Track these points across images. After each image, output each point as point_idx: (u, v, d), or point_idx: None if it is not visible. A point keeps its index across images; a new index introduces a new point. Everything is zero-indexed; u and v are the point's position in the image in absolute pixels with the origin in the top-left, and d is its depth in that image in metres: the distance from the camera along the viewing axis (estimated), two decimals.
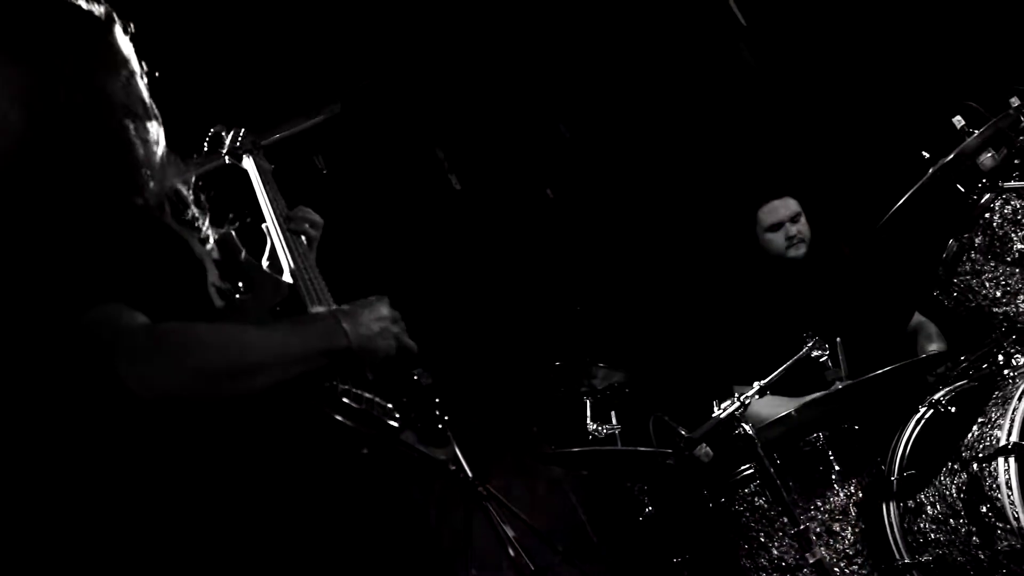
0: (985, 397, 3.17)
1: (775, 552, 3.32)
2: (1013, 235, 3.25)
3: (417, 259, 4.99)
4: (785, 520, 3.20)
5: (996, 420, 3.00)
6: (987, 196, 3.31)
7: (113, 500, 1.55)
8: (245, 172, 2.36)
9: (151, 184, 1.75)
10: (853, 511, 3.29)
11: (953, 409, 3.23)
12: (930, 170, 3.36)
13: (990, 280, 3.30)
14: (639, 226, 5.35)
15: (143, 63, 1.86)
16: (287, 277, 2.05)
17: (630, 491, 3.88)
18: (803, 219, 4.17)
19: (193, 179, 2.01)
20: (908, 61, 4.75)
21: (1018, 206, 3.26)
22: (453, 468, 2.77)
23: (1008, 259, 3.26)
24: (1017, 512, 2.81)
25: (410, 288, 4.28)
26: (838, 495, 3.31)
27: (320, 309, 1.89)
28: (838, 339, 3.42)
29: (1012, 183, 3.30)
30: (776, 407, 3.46)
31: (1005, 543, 2.87)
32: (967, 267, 3.33)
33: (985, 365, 3.43)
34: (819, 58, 4.98)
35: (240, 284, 1.89)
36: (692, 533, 3.76)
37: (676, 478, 3.67)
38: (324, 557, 1.73)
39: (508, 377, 4.85)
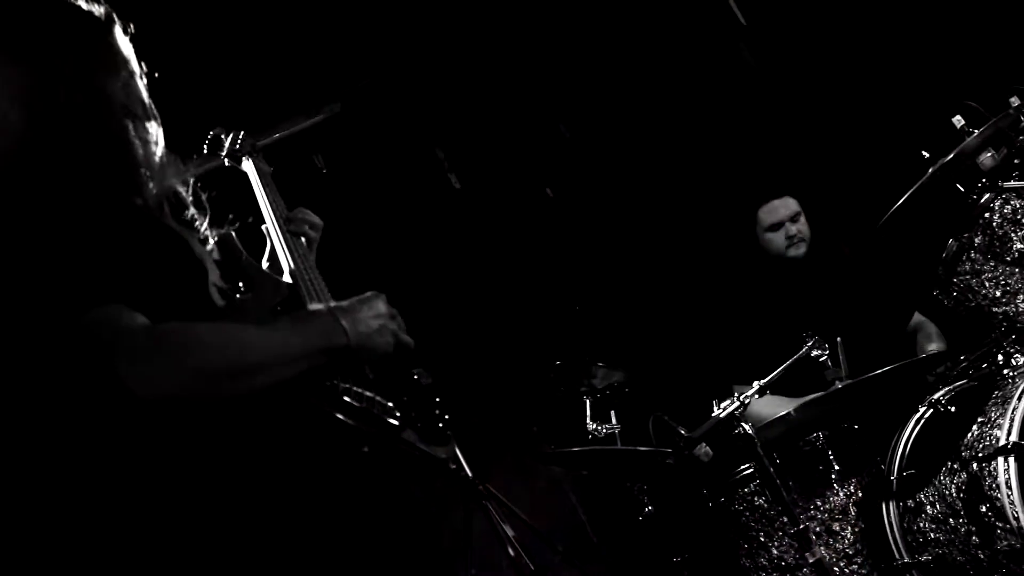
0: (985, 397, 3.17)
1: (775, 552, 3.32)
2: (1013, 235, 3.25)
3: (417, 259, 4.99)
4: (785, 520, 3.20)
5: (996, 420, 3.00)
6: (987, 196, 3.31)
7: (114, 500, 1.55)
8: (244, 174, 2.36)
9: (150, 184, 1.75)
10: (853, 510, 3.29)
11: (953, 409, 3.23)
12: (930, 170, 3.37)
13: (990, 280, 3.30)
14: (639, 226, 5.35)
15: (143, 64, 1.86)
16: (287, 278, 2.05)
17: (630, 491, 3.88)
18: (803, 219, 4.17)
19: (192, 180, 2.01)
20: (908, 61, 4.75)
21: (1018, 206, 3.26)
22: (454, 467, 2.77)
23: (1008, 259, 3.27)
24: (1017, 512, 2.81)
25: (410, 287, 4.28)
26: (838, 495, 3.31)
27: (319, 306, 1.89)
28: (838, 339, 3.42)
29: (1012, 183, 3.30)
30: (776, 407, 3.46)
31: (1005, 543, 2.87)
32: (967, 267, 3.34)
33: (985, 365, 3.43)
34: (819, 58, 4.98)
35: (240, 284, 1.89)
36: (692, 533, 3.76)
37: (676, 478, 3.67)
38: (325, 556, 1.73)
39: (508, 377, 4.85)
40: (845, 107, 4.95)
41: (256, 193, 2.30)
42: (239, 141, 2.38)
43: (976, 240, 3.31)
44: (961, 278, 3.35)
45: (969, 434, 3.07)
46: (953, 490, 3.04)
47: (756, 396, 3.15)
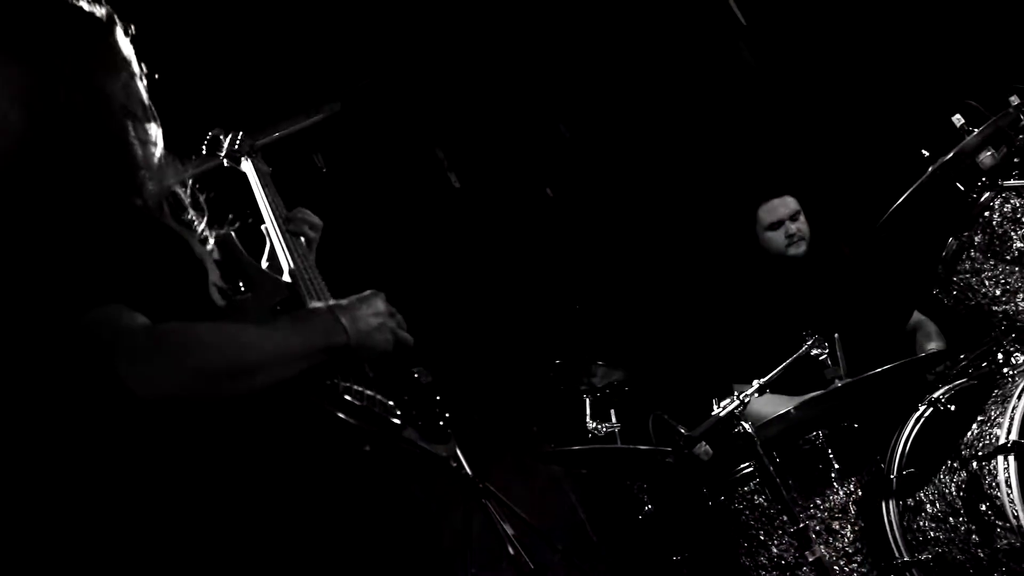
0: (985, 395, 3.17)
1: (775, 550, 3.32)
2: (1012, 233, 3.25)
3: (417, 258, 4.99)
4: (785, 518, 3.20)
5: (996, 418, 3.00)
6: (987, 194, 3.31)
7: (115, 500, 1.55)
8: (244, 174, 2.36)
9: (149, 185, 1.75)
10: (852, 509, 3.29)
11: (952, 407, 3.23)
12: (930, 168, 3.37)
13: (989, 278, 3.30)
14: (639, 225, 5.35)
15: (143, 65, 1.86)
16: (286, 277, 2.05)
17: (630, 489, 3.88)
18: (802, 217, 4.18)
19: (191, 181, 2.02)
20: (908, 60, 4.75)
21: (1018, 204, 3.26)
22: (454, 465, 2.77)
23: (1007, 257, 3.27)
24: (1016, 510, 2.81)
25: (410, 287, 4.29)
26: (837, 493, 3.31)
27: (318, 304, 1.89)
28: (836, 335, 3.42)
29: (1012, 181, 3.30)
30: (776, 405, 3.46)
31: (1004, 541, 2.87)
32: (967, 265, 3.34)
33: (985, 363, 3.43)
34: (819, 57, 4.98)
35: (240, 284, 1.89)
36: (692, 531, 3.76)
37: (676, 476, 3.67)
38: (326, 555, 1.73)
39: (508, 375, 4.85)
40: (845, 106, 4.95)
41: (255, 193, 2.30)
42: (238, 141, 2.38)
43: (976, 239, 3.31)
44: (961, 277, 3.35)
45: (969, 433, 3.07)
46: (953, 489, 3.04)
47: (756, 395, 3.15)
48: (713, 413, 3.15)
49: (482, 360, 4.84)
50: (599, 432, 4.12)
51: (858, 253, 4.36)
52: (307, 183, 4.42)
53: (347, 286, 2.00)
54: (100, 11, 1.80)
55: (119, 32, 1.82)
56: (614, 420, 4.19)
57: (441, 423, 1.93)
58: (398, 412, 1.83)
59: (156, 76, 1.89)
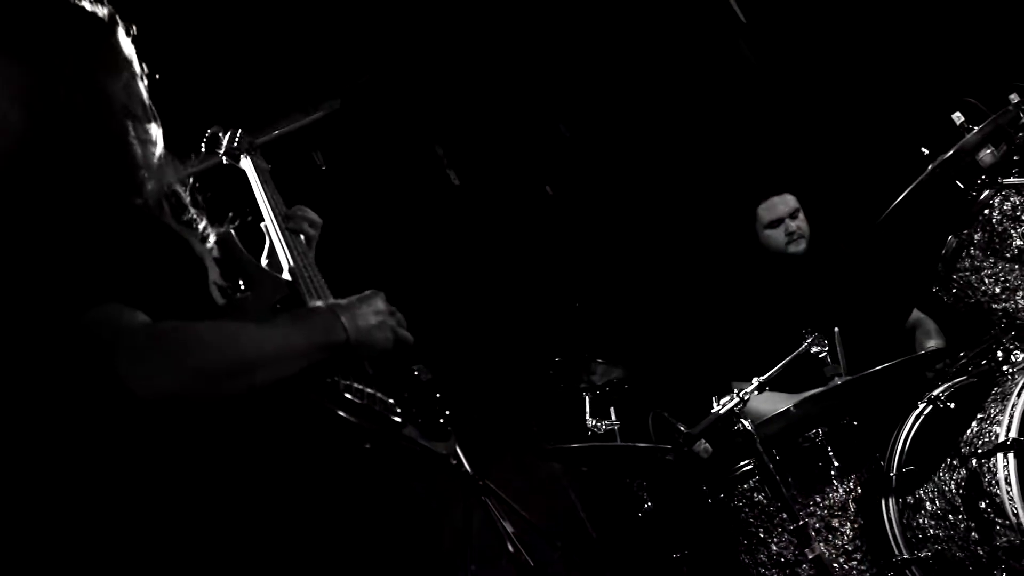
0: (984, 393, 3.17)
1: (774, 548, 3.32)
2: (1012, 231, 3.25)
3: (416, 255, 4.99)
4: (784, 516, 3.20)
5: (995, 416, 3.00)
6: (986, 192, 3.31)
7: (115, 499, 1.55)
8: (243, 172, 2.36)
9: (149, 184, 1.75)
10: (852, 507, 3.29)
11: (952, 405, 3.23)
12: (929, 166, 3.37)
13: (989, 276, 3.30)
14: (638, 223, 5.35)
15: (144, 65, 1.86)
16: (286, 275, 2.05)
17: (629, 487, 3.88)
18: (802, 215, 4.18)
19: (191, 179, 2.02)
20: (907, 57, 4.75)
21: (1017, 202, 3.26)
22: (454, 463, 2.78)
23: (1007, 255, 3.27)
24: (1016, 508, 2.81)
25: (410, 284, 4.29)
26: (837, 491, 3.31)
27: (318, 303, 1.89)
28: (836, 329, 3.43)
29: (1011, 179, 3.30)
30: (775, 403, 3.46)
31: (1004, 539, 2.87)
32: (966, 263, 3.34)
33: (984, 361, 3.44)
34: (818, 55, 4.98)
35: (240, 283, 1.89)
36: (691, 529, 3.76)
37: (675, 474, 3.67)
38: (327, 553, 1.73)
39: (508, 373, 4.85)
40: (845, 104, 4.95)
41: (255, 191, 2.30)
42: (237, 139, 2.38)
43: (976, 237, 3.31)
44: (960, 275, 3.35)
45: (968, 430, 3.08)
46: (952, 486, 3.04)
47: (755, 392, 3.15)
48: (713, 411, 3.15)
49: (482, 358, 4.84)
50: (599, 430, 4.13)
51: (858, 251, 4.37)
52: (306, 181, 4.42)
53: (347, 284, 2.00)
54: (102, 11, 1.80)
55: (120, 32, 1.82)
56: (614, 418, 4.19)
57: (441, 421, 1.93)
58: (398, 410, 1.83)
59: (157, 76, 1.88)
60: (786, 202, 4.17)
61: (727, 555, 3.48)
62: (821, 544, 3.19)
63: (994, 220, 3.28)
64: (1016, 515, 2.81)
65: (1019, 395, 2.98)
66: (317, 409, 1.73)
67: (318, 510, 1.75)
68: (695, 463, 3.19)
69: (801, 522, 3.04)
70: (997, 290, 3.29)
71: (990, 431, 2.98)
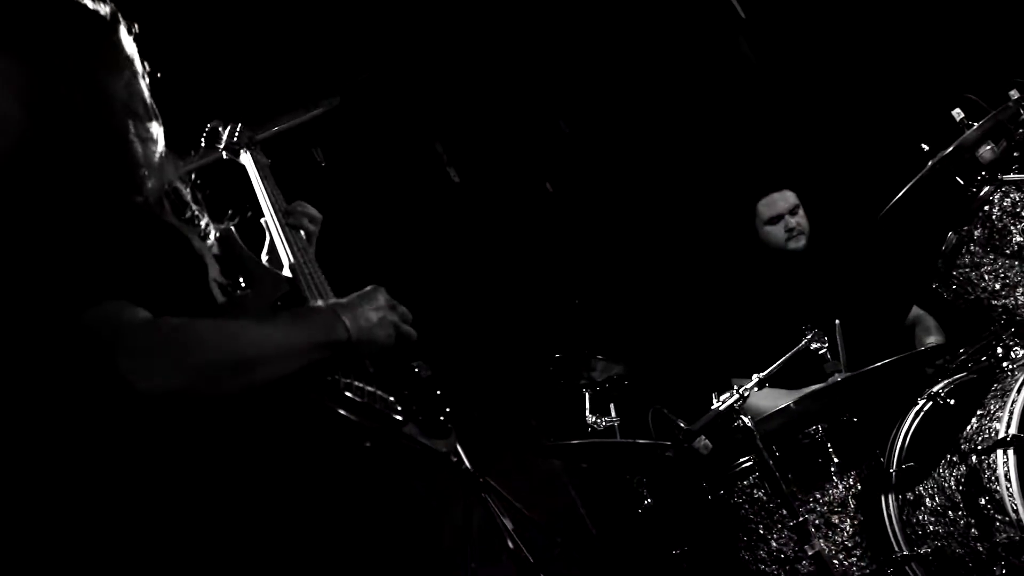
0: (984, 389, 3.17)
1: (774, 544, 3.32)
2: (1012, 228, 3.25)
3: (416, 252, 4.99)
4: (784, 512, 3.20)
5: (995, 412, 3.00)
6: (986, 189, 3.31)
7: (116, 497, 1.55)
8: (243, 167, 2.36)
9: (150, 183, 1.75)
10: (852, 503, 3.29)
11: (952, 401, 3.24)
12: (929, 163, 3.37)
13: (989, 273, 3.30)
14: (638, 219, 5.35)
15: (145, 63, 1.86)
16: (287, 271, 2.05)
17: (629, 483, 3.88)
18: (802, 212, 4.18)
19: (191, 176, 2.01)
20: (907, 54, 4.75)
21: (1017, 199, 3.26)
22: (454, 460, 2.78)
23: (1007, 252, 3.27)
24: (1016, 504, 2.82)
25: (409, 281, 4.28)
26: (837, 487, 3.31)
27: (319, 303, 1.89)
28: (837, 321, 3.42)
29: (1011, 176, 3.30)
30: (775, 399, 3.46)
31: (1004, 535, 2.87)
32: (966, 260, 3.34)
33: (984, 358, 3.44)
34: (818, 51, 4.98)
35: (240, 280, 1.89)
36: (691, 525, 3.76)
37: (675, 470, 3.67)
38: (328, 552, 1.73)
39: (508, 370, 4.85)
40: (844, 100, 4.95)
41: (255, 186, 2.29)
42: (237, 133, 2.38)
43: (975, 233, 3.31)
44: (960, 271, 3.36)
45: (968, 427, 3.08)
46: (952, 483, 3.04)
47: (755, 389, 3.15)
48: (712, 407, 3.15)
49: (482, 354, 4.84)
50: (598, 426, 4.13)
51: (858, 247, 4.37)
52: (306, 178, 4.41)
53: (346, 280, 2.00)
54: (104, 9, 1.79)
55: (122, 30, 1.82)
56: (613, 414, 4.19)
57: (441, 418, 1.93)
58: (399, 408, 1.83)
59: (159, 75, 1.88)
60: (786, 198, 4.17)
61: (727, 551, 3.48)
62: (821, 540, 3.19)
63: (994, 216, 3.28)
64: (1016, 511, 2.81)
65: (1019, 391, 2.98)
66: (317, 408, 1.73)
67: (319, 509, 1.75)
68: (695, 459, 3.18)
69: (801, 518, 3.04)
70: (997, 286, 3.29)
71: (990, 427, 2.98)
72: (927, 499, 3.12)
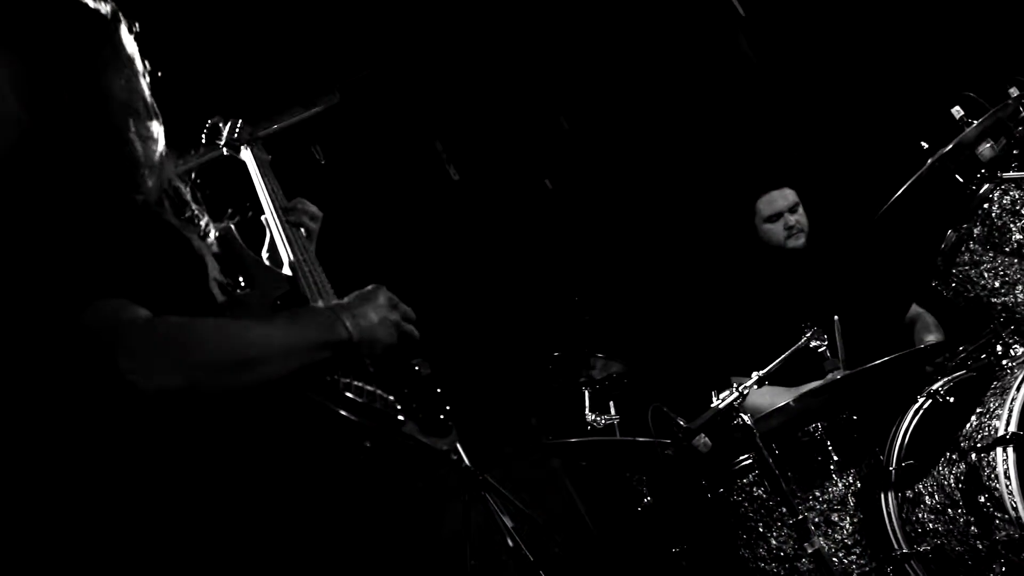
0: (983, 387, 3.18)
1: (773, 542, 3.32)
2: (1012, 225, 3.25)
3: (416, 250, 4.99)
4: (783, 510, 3.21)
5: (994, 410, 3.01)
6: (986, 186, 3.31)
7: (116, 497, 1.55)
8: (243, 164, 2.36)
9: (150, 181, 1.75)
10: (851, 501, 3.29)
11: (951, 399, 3.24)
12: (929, 160, 3.37)
13: (988, 270, 3.30)
14: (638, 217, 5.35)
15: (146, 61, 1.86)
16: (287, 269, 2.05)
17: (629, 481, 3.88)
18: (801, 209, 4.18)
19: (192, 175, 2.01)
20: (907, 52, 4.75)
21: (1017, 196, 3.26)
22: (454, 458, 2.78)
23: (1007, 249, 3.27)
24: (1015, 502, 2.82)
25: (409, 279, 4.28)
26: (836, 485, 3.32)
27: (320, 303, 1.89)
28: (836, 319, 3.42)
29: (1011, 173, 3.31)
30: (774, 397, 3.46)
31: (1003, 533, 2.87)
32: (966, 257, 3.34)
33: (984, 355, 3.44)
34: (818, 49, 4.98)
35: (241, 279, 1.89)
36: (691, 523, 3.76)
37: (675, 468, 3.67)
38: (328, 551, 1.73)
39: (507, 368, 4.85)
40: (844, 98, 4.95)
41: (255, 182, 2.29)
42: (237, 129, 2.37)
43: (975, 231, 3.32)
44: (960, 269, 3.36)
45: (968, 424, 3.08)
46: (952, 480, 3.04)
47: (755, 387, 3.16)
48: (712, 405, 3.15)
49: (481, 352, 4.84)
50: (598, 424, 4.13)
51: (857, 245, 4.37)
52: (306, 175, 4.41)
53: (346, 278, 1.99)
54: (105, 8, 1.79)
55: (123, 29, 1.82)
56: (613, 412, 4.19)
57: (441, 416, 1.92)
58: (399, 407, 1.82)
59: (159, 74, 1.88)
60: (785, 196, 4.17)
61: (726, 549, 3.48)
62: (820, 538, 3.19)
63: (993, 214, 3.28)
64: (1015, 509, 2.82)
65: (1018, 389, 2.99)
66: (317, 408, 1.73)
67: (319, 508, 1.74)
68: (694, 458, 3.18)
69: (800, 516, 3.04)
70: (996, 284, 3.29)
71: (989, 425, 2.98)
72: (927, 497, 3.12)
